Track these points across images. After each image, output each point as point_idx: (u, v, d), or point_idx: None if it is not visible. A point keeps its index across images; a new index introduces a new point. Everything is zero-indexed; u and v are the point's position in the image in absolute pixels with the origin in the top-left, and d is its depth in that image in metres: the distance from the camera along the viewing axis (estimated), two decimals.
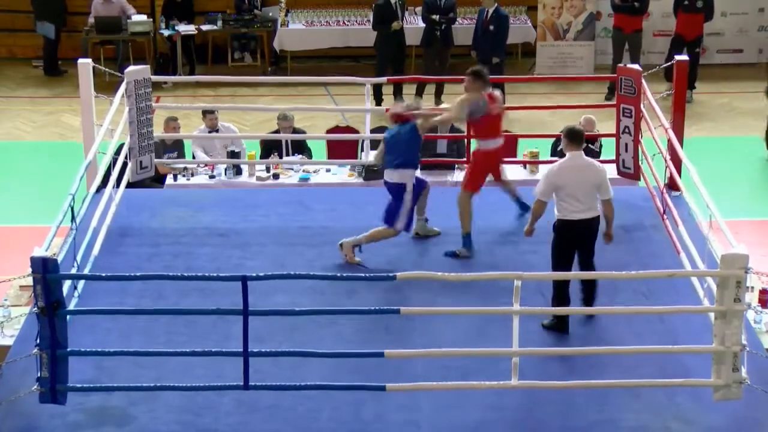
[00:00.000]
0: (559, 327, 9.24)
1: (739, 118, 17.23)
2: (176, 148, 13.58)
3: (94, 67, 11.45)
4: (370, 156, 12.51)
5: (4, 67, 19.21)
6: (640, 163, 11.64)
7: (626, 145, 11.66)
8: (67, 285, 9.03)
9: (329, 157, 13.90)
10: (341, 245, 10.28)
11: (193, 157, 13.47)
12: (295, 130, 13.64)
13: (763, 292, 10.26)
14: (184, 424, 8.35)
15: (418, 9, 17.93)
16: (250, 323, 8.07)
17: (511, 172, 12.91)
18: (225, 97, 17.55)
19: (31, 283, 7.99)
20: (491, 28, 16.93)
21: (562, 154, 13.10)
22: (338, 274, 9.01)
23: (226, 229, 11.10)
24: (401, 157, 10.24)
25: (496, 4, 17.01)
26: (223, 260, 10.46)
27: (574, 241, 9.30)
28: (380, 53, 17.55)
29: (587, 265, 9.35)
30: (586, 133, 13.10)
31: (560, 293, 9.25)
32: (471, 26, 17.65)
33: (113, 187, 11.08)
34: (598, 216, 9.36)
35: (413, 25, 17.89)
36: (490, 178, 10.81)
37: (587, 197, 9.25)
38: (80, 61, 11.44)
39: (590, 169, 9.37)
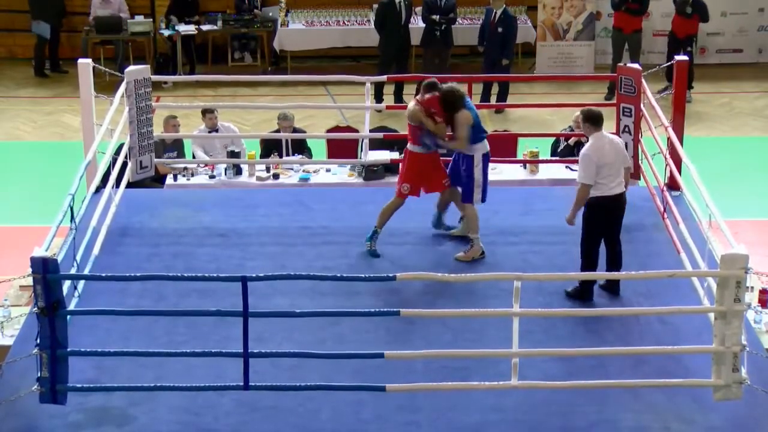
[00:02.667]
0: (582, 295, 9.66)
1: (739, 118, 17.23)
2: (176, 147, 13.58)
3: (94, 67, 11.45)
4: (370, 155, 12.52)
5: (4, 67, 19.21)
6: (640, 162, 11.65)
7: (626, 144, 11.64)
8: (67, 285, 9.03)
9: (329, 157, 13.90)
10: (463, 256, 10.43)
11: (193, 157, 13.46)
12: (295, 130, 13.64)
13: (763, 292, 10.27)
14: (184, 424, 8.35)
15: (418, 9, 17.93)
16: (250, 323, 8.08)
17: (512, 171, 12.97)
18: (225, 97, 17.56)
19: (31, 283, 7.99)
20: (500, 30, 16.94)
21: (562, 154, 13.24)
22: (338, 275, 9.00)
23: (226, 229, 11.09)
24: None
25: (504, 6, 17.02)
26: (223, 260, 10.45)
27: (612, 215, 9.73)
28: (384, 53, 17.54)
29: (616, 240, 9.78)
30: (580, 131, 13.18)
31: (590, 262, 9.71)
32: (471, 26, 17.68)
33: (113, 187, 11.08)
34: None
35: (413, 25, 17.88)
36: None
37: (620, 171, 9.70)
38: (80, 61, 11.44)
39: (616, 142, 9.85)
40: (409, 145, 10.46)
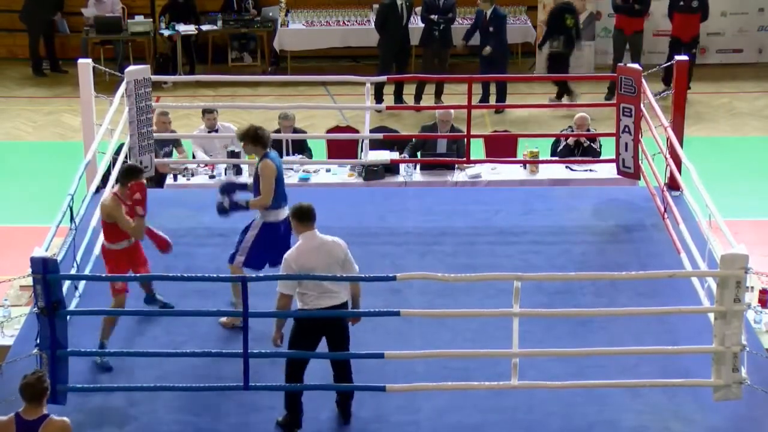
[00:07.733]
0: (291, 424, 8.32)
1: (739, 118, 17.22)
2: (171, 141, 13.46)
3: (94, 67, 11.45)
4: (370, 155, 12.51)
5: (4, 67, 19.20)
6: (640, 162, 11.65)
7: (626, 144, 11.66)
8: (67, 285, 9.03)
9: (329, 157, 13.90)
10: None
11: (193, 157, 13.46)
12: (296, 130, 13.63)
13: (763, 292, 10.27)
14: (184, 424, 8.35)
15: (418, 9, 17.93)
16: (250, 323, 8.07)
17: (511, 171, 12.96)
18: (225, 97, 17.55)
19: (31, 283, 8.00)
20: (491, 29, 16.94)
21: (562, 154, 13.24)
22: (338, 275, 8.98)
23: (226, 229, 11.06)
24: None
25: (493, 6, 17.02)
26: (223, 261, 10.42)
27: (320, 332, 8.29)
28: (384, 53, 17.52)
29: (341, 364, 8.41)
30: (581, 131, 13.19)
31: (293, 395, 8.32)
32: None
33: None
34: (347, 302, 8.36)
35: (413, 25, 17.87)
36: None
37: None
38: (80, 61, 11.44)
39: (329, 245, 8.31)
40: (105, 243, 9.27)
